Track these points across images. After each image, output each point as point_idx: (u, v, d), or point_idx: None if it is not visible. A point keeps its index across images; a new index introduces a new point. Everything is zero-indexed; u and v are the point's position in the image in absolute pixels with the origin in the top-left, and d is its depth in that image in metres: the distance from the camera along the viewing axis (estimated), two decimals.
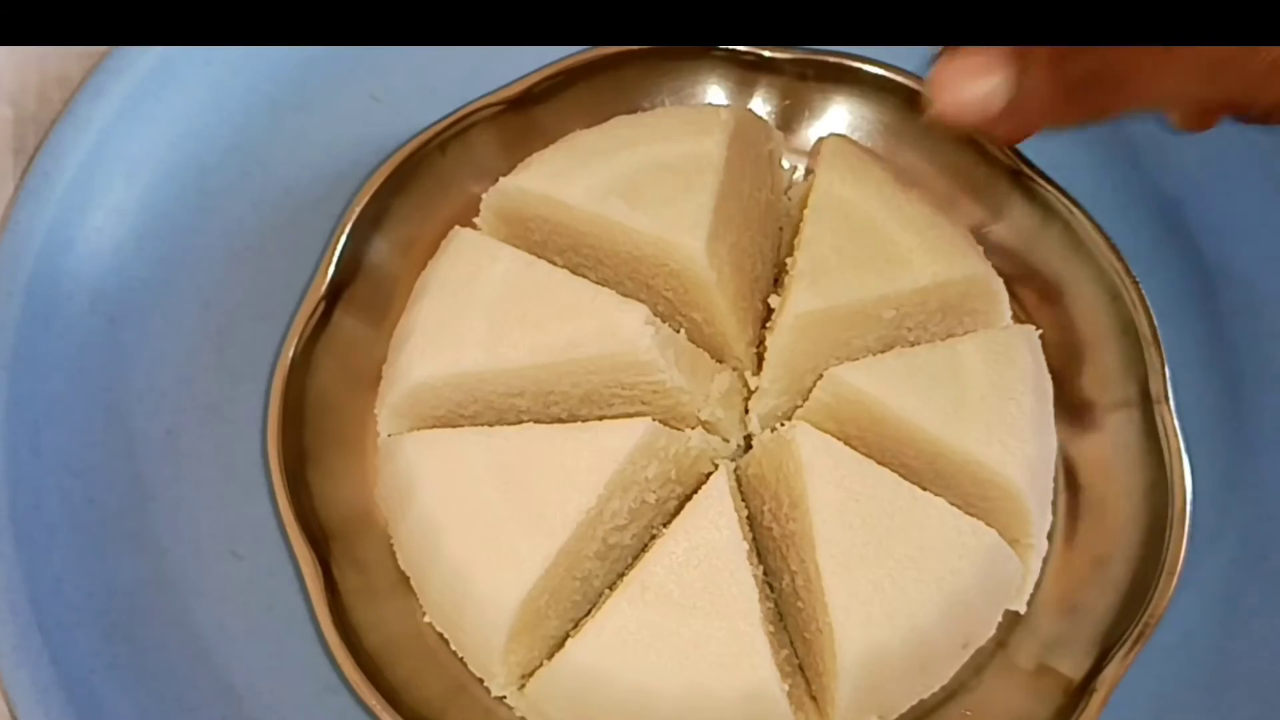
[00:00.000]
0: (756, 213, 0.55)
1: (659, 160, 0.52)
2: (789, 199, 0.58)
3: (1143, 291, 0.53)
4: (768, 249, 0.56)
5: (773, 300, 0.53)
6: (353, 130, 0.57)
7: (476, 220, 0.56)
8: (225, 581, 0.53)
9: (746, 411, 0.54)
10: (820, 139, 0.57)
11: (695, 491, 0.50)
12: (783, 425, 0.51)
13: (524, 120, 0.56)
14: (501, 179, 0.54)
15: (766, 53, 0.57)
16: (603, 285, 0.50)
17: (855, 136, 0.59)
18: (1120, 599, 0.52)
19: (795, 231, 0.54)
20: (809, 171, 0.58)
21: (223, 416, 0.54)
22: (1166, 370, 0.53)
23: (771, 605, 0.51)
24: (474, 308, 0.51)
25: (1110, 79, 0.39)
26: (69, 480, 0.52)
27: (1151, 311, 0.53)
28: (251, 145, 0.56)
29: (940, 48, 0.43)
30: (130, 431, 0.53)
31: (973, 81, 0.41)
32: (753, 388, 0.53)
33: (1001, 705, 0.51)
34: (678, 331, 0.51)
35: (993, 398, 0.50)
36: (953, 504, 0.49)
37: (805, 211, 0.53)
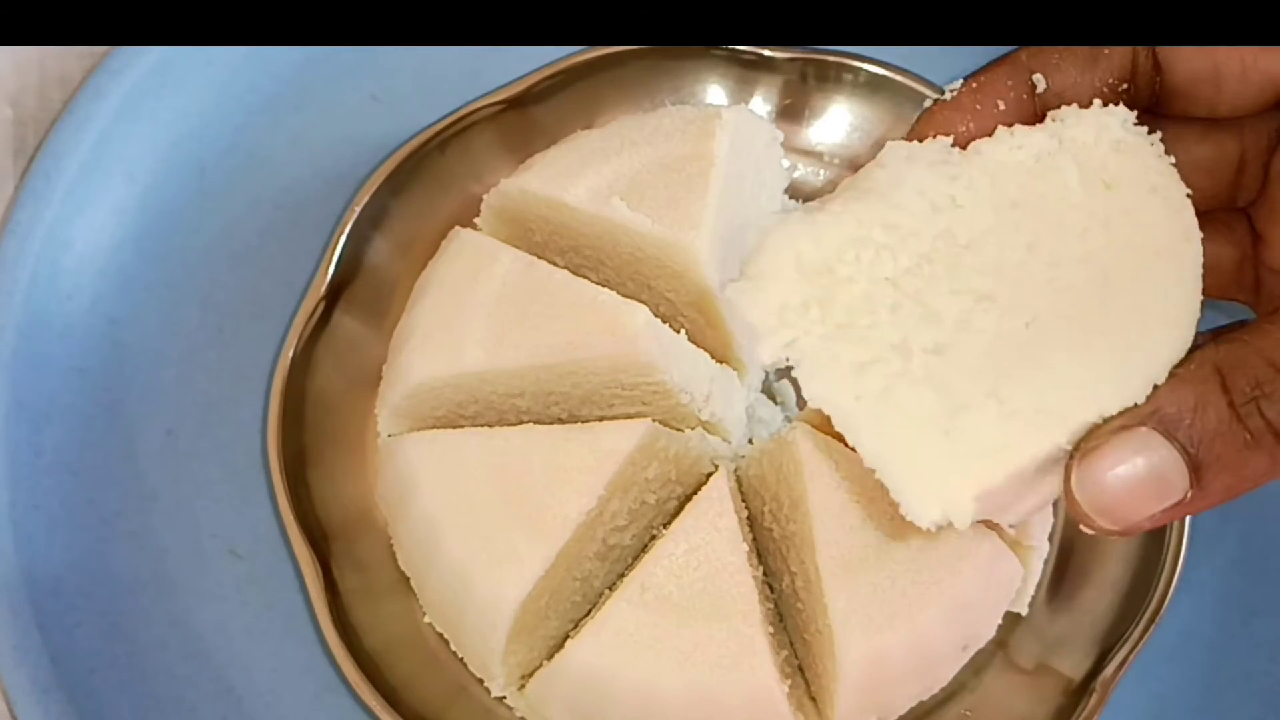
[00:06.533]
0: (757, 213, 0.55)
1: (660, 161, 0.52)
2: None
3: None
4: None
5: None
6: (353, 130, 0.57)
7: (477, 220, 0.56)
8: (225, 581, 0.53)
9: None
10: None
11: (695, 492, 0.50)
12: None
13: (524, 120, 0.56)
14: (503, 180, 0.54)
15: (766, 53, 0.57)
16: (604, 286, 0.50)
17: (855, 137, 0.59)
18: (1120, 599, 0.52)
19: None
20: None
21: (223, 416, 0.54)
22: None
23: (771, 606, 0.51)
24: (474, 308, 0.51)
25: None
26: (69, 480, 0.52)
27: None
28: (251, 145, 0.56)
29: None
30: (130, 431, 0.53)
31: (1152, 504, 0.36)
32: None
33: (1001, 706, 0.51)
34: (679, 332, 0.51)
35: None
36: None
37: None
